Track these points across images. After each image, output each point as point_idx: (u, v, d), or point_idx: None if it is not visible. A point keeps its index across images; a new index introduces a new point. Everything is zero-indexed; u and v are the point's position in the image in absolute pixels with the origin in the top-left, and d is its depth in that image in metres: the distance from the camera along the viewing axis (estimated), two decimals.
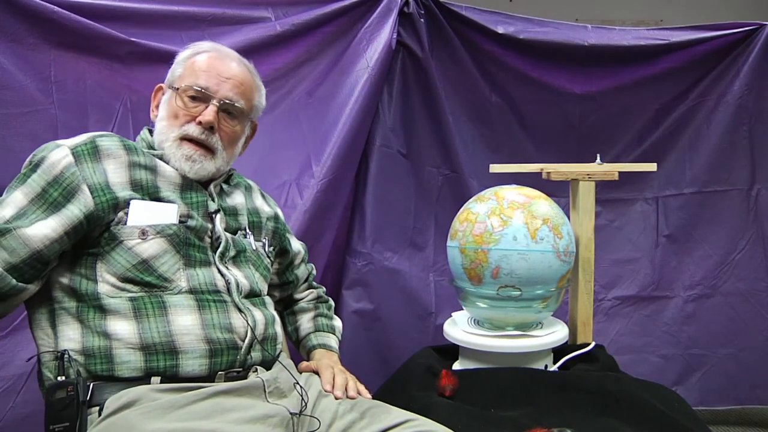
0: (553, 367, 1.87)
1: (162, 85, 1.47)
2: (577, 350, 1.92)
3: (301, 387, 1.35)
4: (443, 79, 2.34)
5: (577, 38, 2.37)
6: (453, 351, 1.96)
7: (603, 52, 2.40)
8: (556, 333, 1.89)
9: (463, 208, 1.91)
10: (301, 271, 1.70)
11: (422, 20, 2.26)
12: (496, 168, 2.11)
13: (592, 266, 2.03)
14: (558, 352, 1.91)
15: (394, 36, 2.21)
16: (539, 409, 1.58)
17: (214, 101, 1.39)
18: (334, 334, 1.67)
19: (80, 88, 1.95)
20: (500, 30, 2.30)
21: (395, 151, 2.33)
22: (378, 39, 2.20)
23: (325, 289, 1.79)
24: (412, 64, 2.32)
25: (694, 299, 2.54)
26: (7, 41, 1.84)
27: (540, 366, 1.84)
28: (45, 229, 1.22)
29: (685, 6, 4.90)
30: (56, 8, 1.86)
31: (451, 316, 2.05)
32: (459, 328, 1.93)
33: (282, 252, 1.63)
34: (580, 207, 2.01)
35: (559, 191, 2.23)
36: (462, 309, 2.02)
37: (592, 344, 1.94)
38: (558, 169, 2.04)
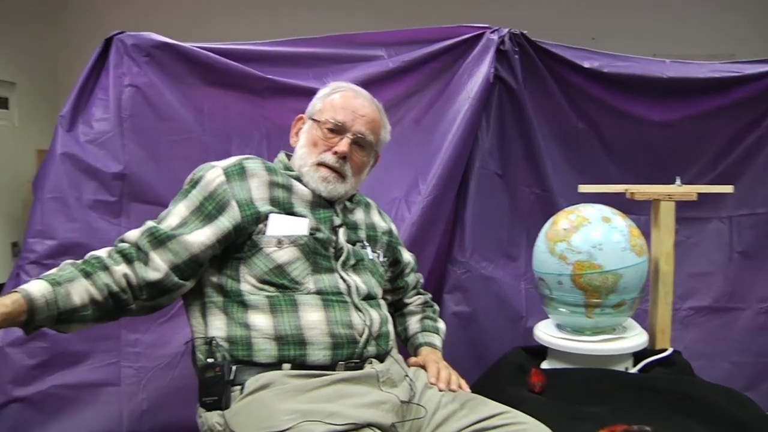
0: (634, 370, 1.82)
1: (302, 115, 1.54)
2: (656, 355, 1.86)
3: (410, 378, 1.38)
4: (535, 108, 2.33)
5: (656, 71, 2.30)
6: (541, 351, 1.95)
7: (680, 84, 2.32)
8: (637, 338, 1.85)
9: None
10: (411, 279, 1.73)
11: (516, 56, 2.26)
12: (584, 188, 2.08)
13: (671, 279, 1.97)
14: (638, 356, 1.86)
15: (492, 70, 2.21)
16: (620, 408, 1.55)
17: (349, 134, 1.45)
18: (438, 335, 1.69)
19: (225, 118, 2.07)
20: (586, 65, 2.27)
21: (492, 172, 2.32)
22: (477, 73, 2.21)
23: (431, 295, 1.81)
24: (508, 95, 2.31)
25: (766, 311, 2.42)
26: (174, 81, 1.98)
27: (621, 368, 1.80)
28: (201, 236, 1.31)
29: (755, 41, 4.73)
30: (210, 54, 1.99)
31: (539, 320, 2.04)
32: (547, 331, 1.91)
33: (394, 262, 1.67)
34: (661, 224, 1.96)
35: (637, 209, 2.17)
36: None
37: (670, 350, 1.88)
38: (641, 190, 1.99)
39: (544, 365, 1.91)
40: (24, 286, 1.16)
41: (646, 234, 1.95)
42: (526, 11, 4.82)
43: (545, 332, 1.91)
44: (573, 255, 1.77)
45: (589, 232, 1.78)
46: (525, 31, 2.27)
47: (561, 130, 2.40)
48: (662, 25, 4.94)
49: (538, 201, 2.39)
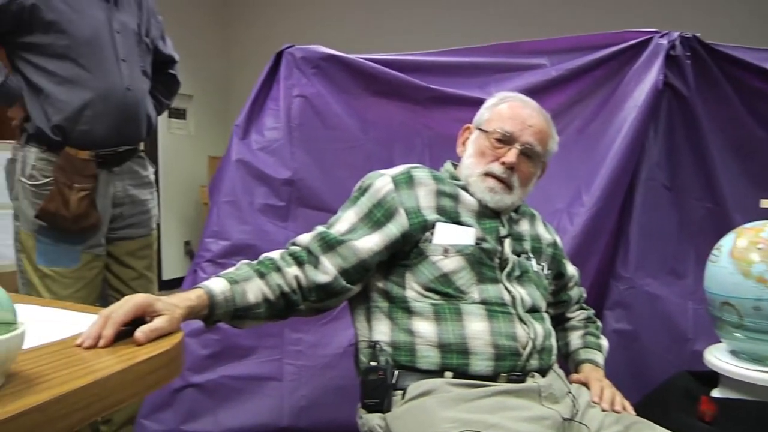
0: None
1: (470, 125, 1.54)
2: None
3: (572, 395, 1.33)
4: (708, 117, 2.16)
5: None
6: (712, 378, 1.80)
7: None
8: None
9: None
10: (574, 293, 1.67)
11: (688, 61, 2.12)
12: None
13: None
14: None
15: (661, 77, 2.09)
16: None
17: (517, 145, 1.43)
18: (601, 352, 1.61)
19: (389, 127, 2.12)
20: None
21: (659, 184, 2.19)
22: (645, 80, 2.09)
23: (594, 311, 1.74)
24: (678, 103, 2.17)
25: None
26: (340, 92, 2.06)
27: None
28: (370, 242, 1.34)
29: None
30: (375, 65, 2.05)
31: (708, 343, 1.89)
32: (721, 357, 1.77)
33: (558, 275, 1.62)
34: None
35: None
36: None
37: None
38: None
39: (716, 393, 1.77)
40: (206, 283, 1.23)
41: None
42: (696, 13, 4.52)
43: (718, 358, 1.76)
44: None
45: None
46: (698, 34, 2.12)
47: (738, 139, 2.22)
48: None
49: (710, 215, 2.21)
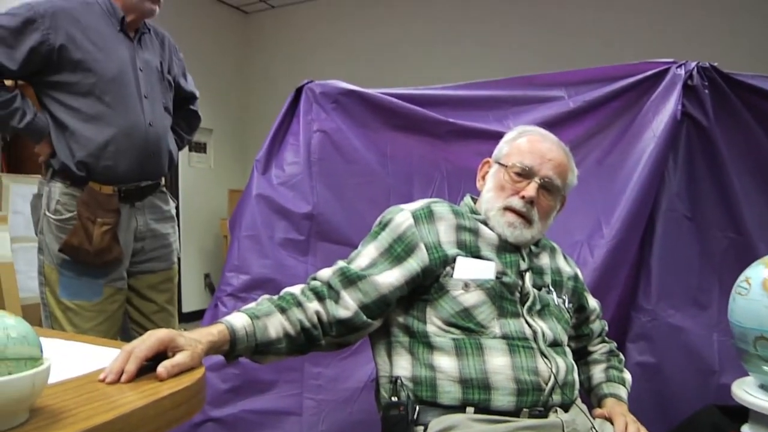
0: None
1: (489, 159, 1.55)
2: None
3: (596, 430, 1.31)
4: (728, 146, 2.14)
5: None
6: (740, 412, 1.75)
7: None
8: None
9: None
10: (596, 326, 1.65)
11: (706, 91, 2.10)
12: None
13: None
14: None
15: (679, 107, 2.08)
16: None
17: (536, 179, 1.43)
18: (624, 386, 1.59)
19: (408, 161, 2.12)
20: None
21: (680, 215, 2.17)
22: (663, 111, 2.09)
23: (616, 344, 1.72)
24: (697, 133, 2.16)
25: None
26: (359, 126, 2.08)
27: None
28: (390, 278, 1.33)
29: None
30: (394, 99, 2.07)
31: (735, 376, 1.84)
32: (751, 391, 1.72)
33: (580, 308, 1.60)
34: None
35: None
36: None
37: None
38: None
39: (746, 429, 1.72)
40: (227, 318, 1.24)
41: None
42: (710, 43, 4.52)
43: (749, 392, 1.72)
44: None
45: None
46: (715, 64, 2.12)
47: (759, 167, 2.19)
48: None
49: (733, 246, 2.18)
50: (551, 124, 2.01)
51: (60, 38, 1.87)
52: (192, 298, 5.71)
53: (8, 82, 1.94)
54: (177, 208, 2.39)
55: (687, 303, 2.18)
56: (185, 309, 5.44)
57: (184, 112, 2.33)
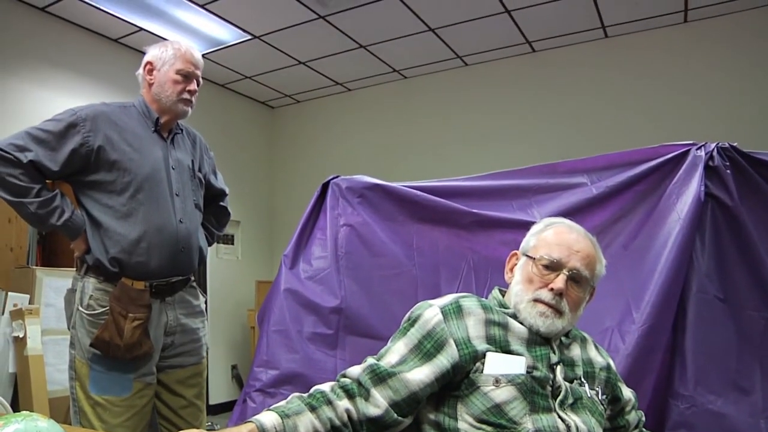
0: None
1: (517, 252, 1.55)
2: None
3: None
4: (756, 224, 2.13)
5: None
6: None
7: None
8: None
9: None
10: (632, 417, 1.60)
11: (728, 171, 2.12)
12: None
13: None
14: None
15: (702, 188, 2.09)
16: None
17: (565, 271, 1.42)
18: None
19: (434, 252, 2.14)
20: None
21: (712, 297, 2.13)
22: (687, 192, 2.10)
23: None
24: (722, 213, 2.15)
25: None
26: (385, 220, 2.12)
27: None
28: (420, 374, 1.32)
29: None
30: (419, 192, 2.11)
31: None
32: None
33: (614, 399, 1.55)
34: None
35: None
36: None
37: None
38: None
39: None
40: (257, 417, 1.22)
41: None
42: (721, 124, 4.54)
43: None
44: None
45: None
46: (735, 143, 2.14)
47: None
48: None
49: None
50: (575, 211, 2.03)
51: (99, 140, 1.96)
52: (219, 390, 5.64)
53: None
54: (205, 302, 2.41)
55: (727, 388, 2.11)
56: (212, 401, 5.37)
57: (214, 208, 2.38)
